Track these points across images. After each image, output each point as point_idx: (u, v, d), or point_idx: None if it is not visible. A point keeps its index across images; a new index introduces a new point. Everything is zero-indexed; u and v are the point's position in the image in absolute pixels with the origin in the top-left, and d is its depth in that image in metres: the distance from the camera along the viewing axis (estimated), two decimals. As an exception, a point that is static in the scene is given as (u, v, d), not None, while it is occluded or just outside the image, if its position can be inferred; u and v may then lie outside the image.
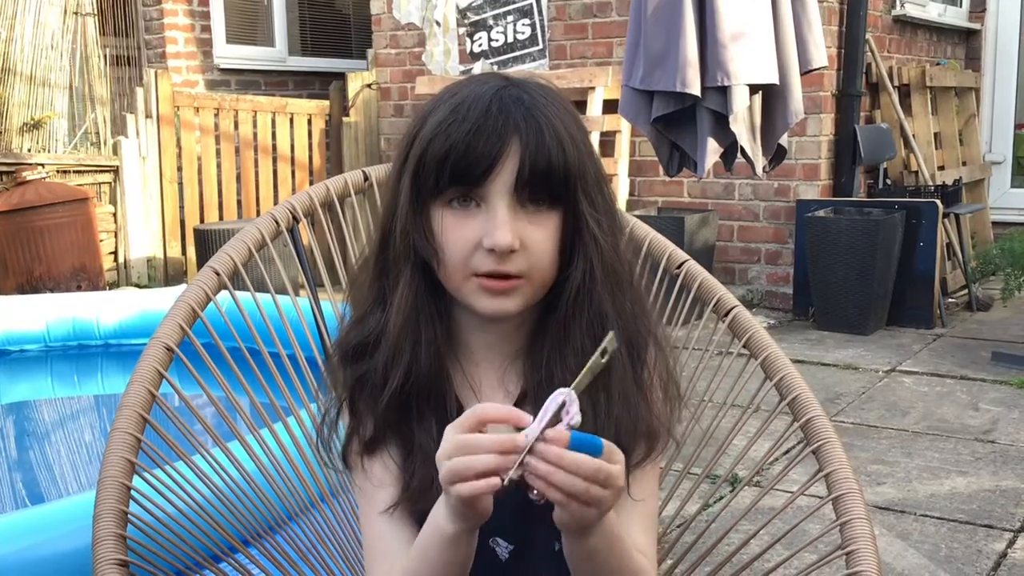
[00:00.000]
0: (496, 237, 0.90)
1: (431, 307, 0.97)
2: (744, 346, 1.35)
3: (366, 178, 1.51)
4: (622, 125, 5.13)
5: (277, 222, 1.42)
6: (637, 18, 3.17)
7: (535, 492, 0.81)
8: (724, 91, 3.04)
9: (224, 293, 1.31)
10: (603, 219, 0.95)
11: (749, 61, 3.02)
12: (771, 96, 3.18)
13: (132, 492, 1.12)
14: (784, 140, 3.30)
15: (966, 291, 5.19)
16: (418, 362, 0.96)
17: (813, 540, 1.24)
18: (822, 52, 3.19)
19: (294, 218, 1.44)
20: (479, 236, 0.91)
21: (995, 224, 6.21)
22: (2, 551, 1.77)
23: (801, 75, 3.18)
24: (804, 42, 3.15)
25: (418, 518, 0.97)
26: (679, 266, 1.43)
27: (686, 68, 3.01)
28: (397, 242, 0.96)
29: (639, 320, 1.00)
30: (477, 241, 0.92)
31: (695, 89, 3.03)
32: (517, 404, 0.98)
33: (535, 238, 0.92)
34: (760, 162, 3.22)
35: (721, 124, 3.09)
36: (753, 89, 3.10)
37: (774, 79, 3.08)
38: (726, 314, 1.38)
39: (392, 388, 0.96)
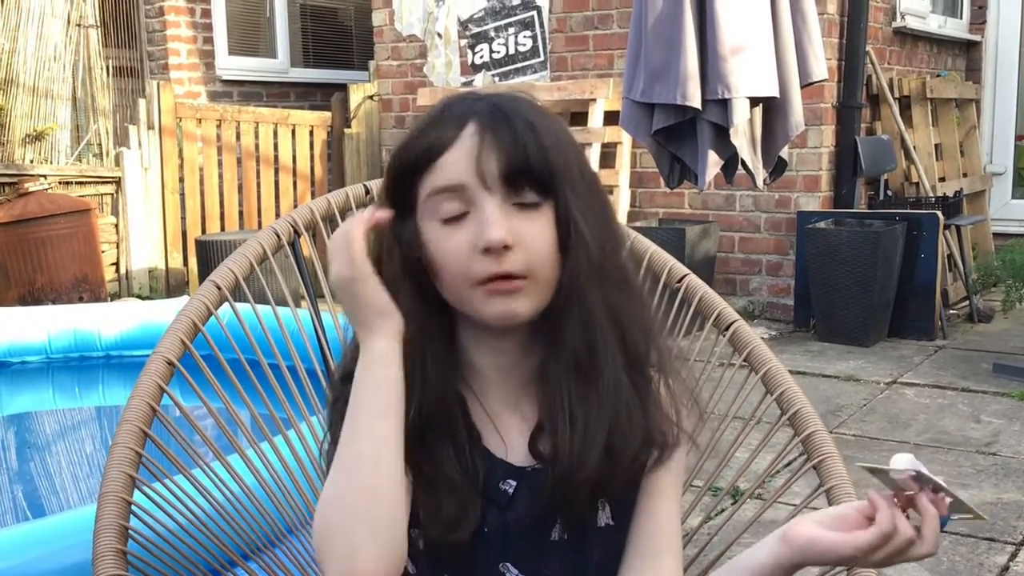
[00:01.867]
0: (489, 234, 0.88)
1: (433, 325, 0.95)
2: (745, 360, 1.35)
3: (367, 191, 1.51)
4: (623, 137, 5.14)
5: (279, 236, 1.43)
6: (638, 31, 3.19)
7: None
8: (725, 104, 3.05)
9: (225, 306, 1.32)
10: (589, 212, 0.93)
11: (749, 74, 3.03)
12: (771, 109, 3.19)
13: (132, 507, 1.12)
14: (784, 152, 3.31)
15: (967, 303, 5.19)
16: (428, 386, 0.93)
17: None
18: (822, 65, 3.20)
19: (295, 232, 1.45)
20: (473, 240, 0.90)
21: (996, 235, 6.21)
22: (2, 565, 1.77)
23: (801, 88, 3.19)
24: (804, 55, 3.15)
25: (448, 554, 0.93)
26: (679, 280, 1.43)
27: (687, 81, 3.01)
28: (391, 263, 0.94)
29: (635, 318, 0.97)
30: (472, 246, 0.90)
31: (696, 102, 3.03)
32: (534, 431, 0.96)
33: (529, 233, 0.90)
34: (761, 174, 3.23)
35: (722, 136, 3.10)
36: (753, 102, 3.11)
37: (774, 92, 3.09)
38: (727, 328, 1.38)
39: (410, 416, 0.91)
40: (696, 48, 3.02)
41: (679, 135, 3.19)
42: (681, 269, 1.44)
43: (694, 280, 1.43)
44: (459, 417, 0.95)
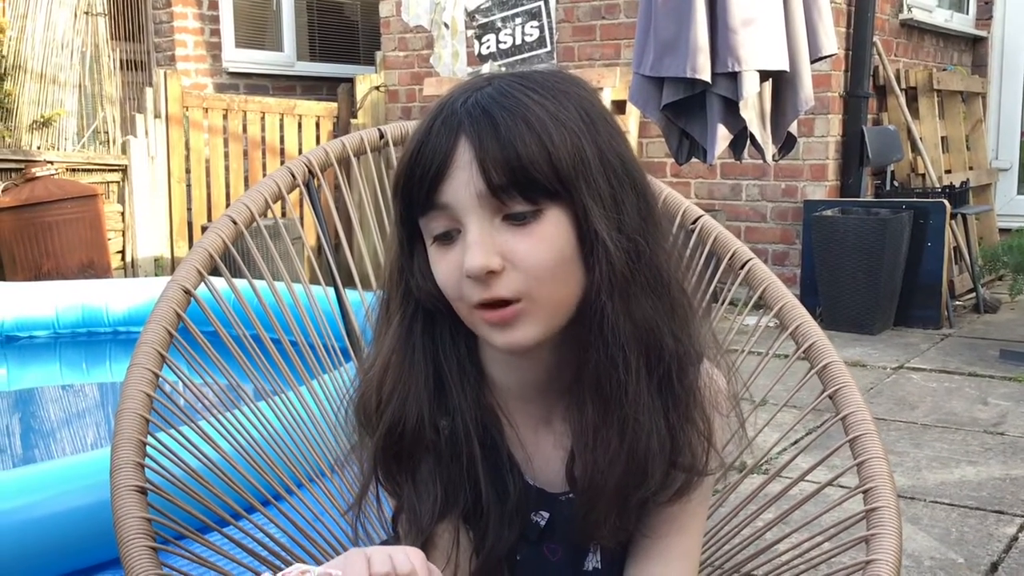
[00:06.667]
0: (466, 261, 0.80)
1: (424, 349, 0.89)
2: (760, 297, 1.36)
3: (382, 135, 1.51)
4: (629, 125, 5.14)
5: (293, 175, 1.43)
6: (647, 5, 3.19)
7: None
8: (734, 77, 3.05)
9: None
10: (616, 213, 0.82)
11: (759, 47, 3.03)
12: (781, 84, 3.19)
13: (149, 441, 1.11)
14: (794, 128, 3.31)
15: (973, 294, 5.18)
16: (454, 404, 0.88)
17: (836, 524, 1.22)
18: (832, 39, 3.20)
19: (310, 173, 1.45)
20: (460, 265, 0.82)
21: (1001, 231, 6.21)
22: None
23: (811, 62, 3.18)
24: (814, 29, 3.15)
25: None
26: (695, 221, 1.43)
27: (696, 54, 3.01)
28: (394, 285, 0.90)
29: (670, 326, 0.86)
30: (461, 270, 0.82)
31: (705, 75, 3.03)
32: (571, 458, 0.90)
33: (522, 251, 0.80)
34: (770, 149, 3.23)
35: (731, 110, 3.10)
36: (763, 76, 3.11)
37: (784, 66, 3.09)
38: (742, 267, 1.38)
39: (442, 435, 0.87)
40: (706, 21, 3.02)
41: (688, 110, 3.19)
42: (696, 211, 1.44)
43: (709, 221, 1.43)
44: (491, 437, 0.90)
